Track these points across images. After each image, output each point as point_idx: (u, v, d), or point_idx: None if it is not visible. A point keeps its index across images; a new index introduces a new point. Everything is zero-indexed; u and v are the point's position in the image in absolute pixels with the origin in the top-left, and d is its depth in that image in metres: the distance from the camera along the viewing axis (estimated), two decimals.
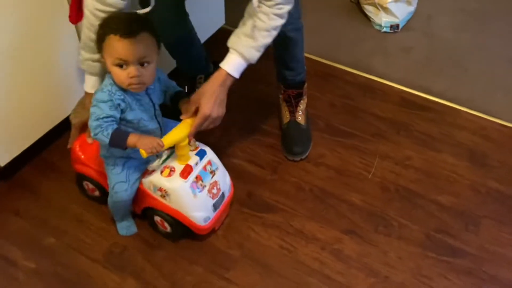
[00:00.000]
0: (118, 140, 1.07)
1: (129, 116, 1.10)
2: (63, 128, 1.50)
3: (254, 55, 1.16)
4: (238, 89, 1.67)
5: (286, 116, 1.58)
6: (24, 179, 1.47)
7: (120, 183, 1.18)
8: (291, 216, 1.38)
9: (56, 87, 1.43)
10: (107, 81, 1.09)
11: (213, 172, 1.24)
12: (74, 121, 1.26)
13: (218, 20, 1.92)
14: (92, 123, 1.07)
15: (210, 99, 1.15)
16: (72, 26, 1.33)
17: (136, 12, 1.07)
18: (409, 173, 1.50)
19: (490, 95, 1.78)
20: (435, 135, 1.63)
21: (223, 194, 1.28)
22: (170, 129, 1.17)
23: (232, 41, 1.17)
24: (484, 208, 1.42)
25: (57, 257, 1.28)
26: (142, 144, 1.08)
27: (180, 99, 1.21)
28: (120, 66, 1.03)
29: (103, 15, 1.08)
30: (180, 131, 1.15)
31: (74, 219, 1.37)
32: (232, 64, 1.16)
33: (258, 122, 1.65)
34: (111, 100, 1.06)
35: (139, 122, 1.12)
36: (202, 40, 1.86)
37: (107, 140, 1.06)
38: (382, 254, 1.30)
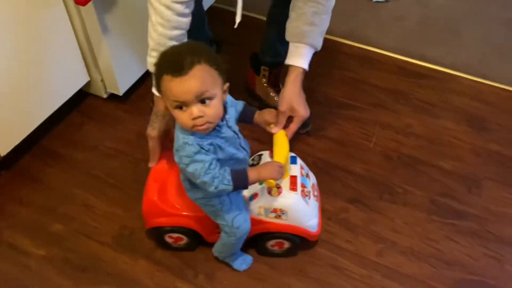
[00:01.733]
0: (240, 183, 0.98)
1: (220, 155, 0.98)
2: (60, 115, 1.49)
3: (320, 42, 1.15)
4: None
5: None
6: (25, 168, 1.45)
7: (238, 216, 1.06)
8: None
9: (54, 72, 1.42)
10: (182, 133, 0.95)
11: (308, 175, 1.19)
12: (153, 133, 1.15)
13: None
14: (204, 180, 0.94)
15: (300, 100, 1.15)
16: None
17: (193, 42, 0.97)
18: (410, 141, 1.51)
19: (486, 59, 1.79)
20: (434, 102, 1.63)
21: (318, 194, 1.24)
22: None
23: (294, 35, 1.15)
24: (486, 170, 1.44)
25: (66, 243, 1.28)
26: (267, 175, 1.00)
27: (247, 113, 1.10)
28: (180, 108, 0.90)
29: (178, 6, 1.03)
30: (284, 145, 1.09)
31: (80, 205, 1.36)
32: (305, 59, 1.15)
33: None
34: (202, 148, 0.94)
35: (230, 157, 1.00)
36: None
37: (230, 188, 0.96)
38: (389, 220, 1.32)
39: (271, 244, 1.20)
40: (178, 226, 1.17)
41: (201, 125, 0.90)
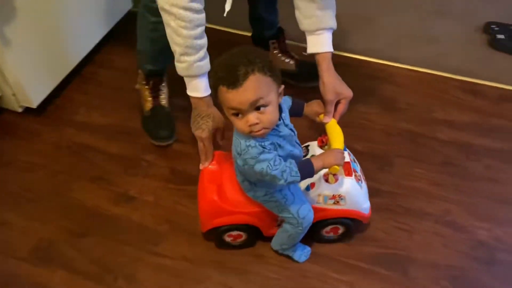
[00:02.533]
0: (307, 172, 1.01)
1: (280, 153, 1.01)
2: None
3: (335, 21, 1.21)
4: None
5: (150, 102, 1.54)
6: None
7: (302, 207, 1.10)
8: None
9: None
10: (242, 138, 0.98)
11: (355, 161, 1.23)
12: (203, 134, 1.17)
13: (125, 4, 1.89)
14: (273, 175, 0.98)
15: (341, 83, 1.20)
16: None
17: (247, 48, 0.95)
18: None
19: (397, 44, 1.86)
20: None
21: None
22: None
23: (311, 25, 1.20)
24: (397, 148, 1.50)
25: None
26: (332, 161, 1.03)
27: (296, 107, 1.15)
28: (237, 115, 0.95)
29: (195, 4, 1.06)
30: (339, 132, 1.13)
31: None
32: (329, 42, 1.21)
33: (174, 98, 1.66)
34: (264, 148, 0.97)
35: (288, 154, 1.03)
36: (110, 26, 1.84)
37: (299, 178, 1.00)
38: None
39: (326, 230, 1.23)
40: (239, 224, 1.18)
41: (258, 131, 0.94)
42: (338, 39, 1.82)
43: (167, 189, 1.40)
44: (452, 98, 1.67)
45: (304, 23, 1.23)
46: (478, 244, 1.27)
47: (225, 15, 1.17)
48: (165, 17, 1.10)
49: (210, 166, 1.20)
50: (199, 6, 1.08)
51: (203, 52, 1.13)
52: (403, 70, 1.76)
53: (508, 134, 1.54)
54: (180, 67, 1.14)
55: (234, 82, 0.90)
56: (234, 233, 1.22)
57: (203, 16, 1.10)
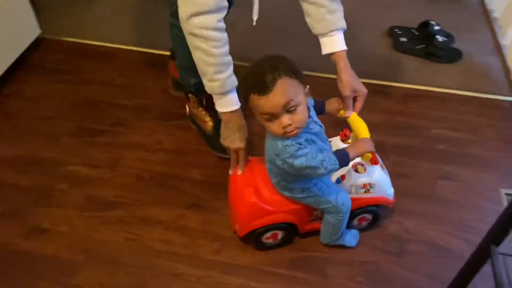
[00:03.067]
0: (344, 160, 1.08)
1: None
2: None
3: (344, 22, 1.26)
4: (60, 95, 1.65)
5: (210, 121, 1.52)
6: None
7: (339, 195, 1.17)
8: (134, 207, 1.39)
9: None
10: (278, 140, 1.04)
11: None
12: (242, 144, 1.24)
13: (32, 31, 1.84)
14: (314, 165, 1.04)
15: (357, 81, 1.26)
16: None
17: (270, 56, 1.01)
18: None
19: (308, 53, 1.93)
20: None
21: None
22: None
23: (323, 28, 1.25)
24: None
25: None
26: (365, 149, 1.12)
27: (319, 105, 1.22)
28: (270, 120, 1.01)
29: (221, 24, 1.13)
30: (363, 123, 1.21)
31: None
32: (342, 42, 1.26)
33: (88, 123, 1.63)
34: (300, 144, 1.04)
35: (320, 149, 1.09)
36: (19, 52, 1.79)
37: (337, 166, 1.07)
38: (225, 218, 1.36)
39: (357, 219, 1.29)
40: (278, 223, 1.22)
41: (291, 131, 1.01)
42: (252, 53, 1.89)
43: (82, 217, 1.36)
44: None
45: (316, 27, 1.28)
46: (390, 238, 1.33)
47: (254, 23, 1.27)
48: (193, 41, 1.15)
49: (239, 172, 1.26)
50: (224, 25, 1.16)
51: (232, 67, 1.21)
52: (318, 78, 1.83)
53: (413, 130, 1.64)
54: (214, 86, 1.20)
55: (264, 89, 0.97)
56: (269, 233, 1.25)
57: (226, 34, 1.18)
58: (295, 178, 1.12)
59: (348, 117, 1.26)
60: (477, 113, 1.72)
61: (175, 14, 1.21)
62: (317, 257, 1.28)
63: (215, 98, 1.24)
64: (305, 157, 1.04)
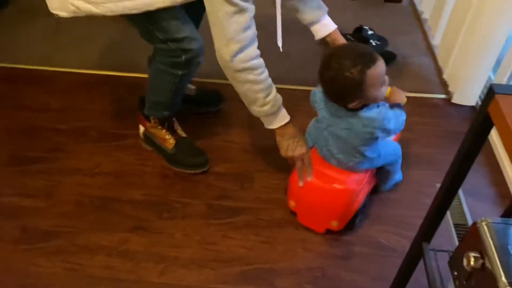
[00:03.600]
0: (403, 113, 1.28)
1: None
2: None
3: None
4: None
5: (171, 139, 1.52)
6: None
7: (395, 145, 1.40)
8: (73, 235, 1.34)
9: None
10: (375, 109, 1.20)
11: None
12: (304, 150, 1.30)
13: None
14: (400, 123, 1.25)
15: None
16: None
17: (347, 44, 1.34)
18: None
19: None
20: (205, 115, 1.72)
21: None
22: None
23: (315, 16, 1.40)
24: (255, 164, 1.55)
25: None
26: (402, 98, 1.34)
27: None
28: (384, 82, 1.17)
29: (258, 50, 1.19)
30: None
31: None
32: (331, 22, 1.44)
33: (22, 151, 1.56)
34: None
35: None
36: None
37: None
38: (169, 237, 1.34)
39: None
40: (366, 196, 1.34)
41: None
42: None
43: (18, 251, 1.30)
44: (306, 109, 1.77)
45: (307, 18, 1.41)
46: (335, 242, 1.34)
47: (281, 50, 1.33)
48: (240, 77, 1.19)
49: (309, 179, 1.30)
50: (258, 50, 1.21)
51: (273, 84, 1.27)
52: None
53: None
54: (266, 108, 1.26)
55: (374, 60, 1.12)
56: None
57: None
58: (370, 145, 1.24)
59: None
60: (413, 112, 1.77)
61: (164, 53, 1.29)
62: (265, 269, 1.27)
63: (266, 119, 1.30)
64: (387, 119, 1.19)
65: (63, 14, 1.25)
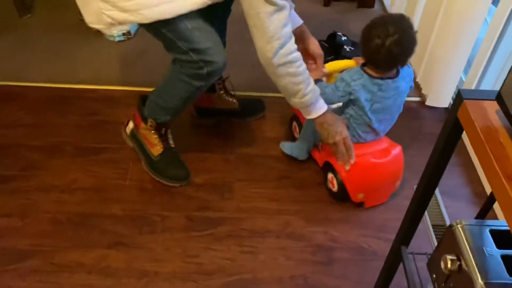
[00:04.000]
0: None
1: None
2: None
3: None
4: None
5: (159, 146, 1.51)
6: None
7: None
8: (51, 253, 1.31)
9: None
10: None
11: None
12: (344, 133, 1.33)
13: None
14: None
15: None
16: None
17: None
18: None
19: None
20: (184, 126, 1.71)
21: None
22: None
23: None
24: (235, 173, 1.55)
25: None
26: None
27: None
28: None
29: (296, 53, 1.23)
30: (336, 63, 1.53)
31: None
32: (298, 17, 1.46)
33: None
34: None
35: None
36: None
37: None
38: (149, 252, 1.32)
39: None
40: None
41: None
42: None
43: None
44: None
45: None
46: (316, 249, 1.35)
47: None
48: (282, 71, 1.22)
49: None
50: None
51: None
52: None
53: None
54: (307, 99, 1.28)
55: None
56: None
57: None
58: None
59: (326, 73, 1.47)
60: None
61: (200, 76, 1.29)
62: (248, 279, 1.27)
63: (306, 110, 1.32)
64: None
65: (100, 27, 1.27)
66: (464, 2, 1.53)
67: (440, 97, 1.77)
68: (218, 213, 1.43)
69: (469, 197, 1.51)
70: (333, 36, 2.06)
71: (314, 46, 1.47)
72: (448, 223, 1.42)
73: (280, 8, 1.14)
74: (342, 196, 1.44)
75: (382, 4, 2.46)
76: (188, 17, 1.21)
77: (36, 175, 1.51)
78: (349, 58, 1.97)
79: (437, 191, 1.52)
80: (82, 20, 2.18)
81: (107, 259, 1.30)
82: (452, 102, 1.75)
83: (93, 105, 1.78)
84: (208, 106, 1.71)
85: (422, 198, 0.84)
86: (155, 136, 1.50)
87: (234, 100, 1.70)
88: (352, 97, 1.33)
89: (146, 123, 1.50)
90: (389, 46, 1.25)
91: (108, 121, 1.71)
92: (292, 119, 1.64)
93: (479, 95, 0.66)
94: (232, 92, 1.71)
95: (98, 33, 2.05)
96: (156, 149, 1.50)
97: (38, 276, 1.26)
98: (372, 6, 2.44)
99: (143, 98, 1.52)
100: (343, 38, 2.04)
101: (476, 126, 0.62)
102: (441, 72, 1.70)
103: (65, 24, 2.16)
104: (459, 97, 0.67)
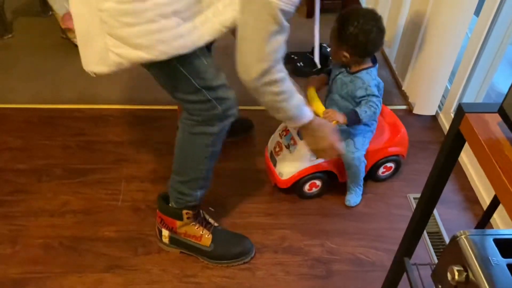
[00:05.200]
0: None
1: None
2: None
3: None
4: None
5: (207, 233, 1.33)
6: None
7: None
8: (44, 280, 1.27)
9: None
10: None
11: None
12: (331, 140, 1.28)
13: None
14: None
15: None
16: None
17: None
18: (158, 186, 1.53)
19: None
20: (172, 141, 1.69)
21: None
22: None
23: None
24: (226, 189, 1.54)
25: None
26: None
27: None
28: None
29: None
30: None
31: None
32: None
33: None
34: None
35: None
36: None
37: None
38: (146, 274, 1.29)
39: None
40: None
41: None
42: (155, 93, 1.84)
43: None
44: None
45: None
46: (314, 262, 1.34)
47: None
48: (264, 90, 1.09)
49: None
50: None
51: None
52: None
53: None
54: (291, 113, 1.18)
55: None
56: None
57: None
58: None
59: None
60: None
61: (197, 107, 1.15)
62: None
63: (290, 122, 1.24)
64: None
65: (103, 69, 1.07)
66: (447, 14, 1.57)
67: (427, 105, 1.80)
68: None
69: (461, 203, 1.53)
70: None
71: None
72: (442, 229, 1.44)
73: (282, 30, 1.04)
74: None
75: None
76: (203, 51, 1.09)
77: (24, 199, 1.48)
78: None
79: None
80: (64, 38, 2.18)
81: (103, 284, 1.27)
82: (439, 110, 1.80)
83: (80, 125, 1.75)
84: None
85: (424, 213, 0.85)
86: (197, 226, 1.32)
87: None
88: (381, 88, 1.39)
89: (181, 218, 1.31)
90: (382, 31, 1.32)
91: (97, 141, 1.69)
92: None
93: (480, 108, 0.67)
94: None
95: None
96: (205, 238, 1.33)
97: None
98: None
99: (162, 196, 1.33)
100: (328, 49, 2.06)
101: (480, 139, 0.63)
102: (427, 81, 1.73)
103: (47, 43, 2.13)
104: (460, 111, 0.68)
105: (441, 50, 1.64)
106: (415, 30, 1.75)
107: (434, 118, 1.84)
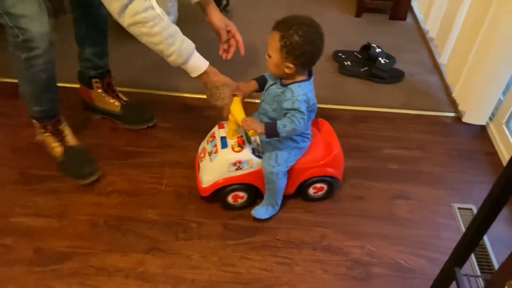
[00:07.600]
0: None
1: None
2: None
3: None
4: None
5: (58, 146, 1.52)
6: None
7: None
8: (89, 256, 1.31)
9: None
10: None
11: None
12: (225, 101, 1.35)
13: None
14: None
15: (225, 17, 1.48)
16: None
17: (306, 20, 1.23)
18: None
19: None
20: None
21: None
22: None
23: None
24: None
25: None
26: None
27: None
28: None
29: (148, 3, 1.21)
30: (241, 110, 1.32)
31: None
32: None
33: (31, 169, 1.53)
34: None
35: None
36: None
37: None
38: (186, 259, 1.32)
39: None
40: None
41: None
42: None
43: (32, 273, 1.26)
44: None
45: None
46: (353, 263, 1.34)
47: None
48: (135, 30, 1.22)
49: None
50: (151, 3, 1.20)
51: (179, 34, 1.27)
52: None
53: (366, 152, 1.68)
54: (173, 59, 1.27)
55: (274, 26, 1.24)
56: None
57: (160, 9, 1.22)
58: None
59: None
60: (422, 130, 1.79)
61: (19, 45, 1.24)
62: None
63: (183, 68, 1.31)
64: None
65: None
66: (509, 22, 1.52)
67: (478, 114, 1.75)
68: (254, 222, 1.42)
69: (506, 215, 1.49)
70: (367, 48, 2.06)
71: (215, 18, 1.42)
72: (487, 242, 1.40)
73: None
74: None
75: (415, 17, 2.45)
76: None
77: None
78: (384, 70, 1.97)
79: (474, 209, 1.50)
80: None
81: (144, 264, 1.30)
82: (489, 121, 1.74)
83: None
84: (88, 101, 1.70)
85: (483, 223, 0.83)
86: (49, 136, 1.49)
87: (116, 103, 1.67)
88: (312, 105, 1.29)
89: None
90: (323, 38, 1.24)
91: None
92: None
93: None
94: (118, 94, 1.68)
95: None
96: (57, 150, 1.50)
97: (77, 278, 1.26)
98: (404, 18, 2.44)
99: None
100: (378, 50, 2.03)
101: None
102: (481, 90, 1.69)
103: None
104: None
105: (500, 59, 1.59)
106: (472, 36, 1.70)
107: (483, 128, 1.79)
